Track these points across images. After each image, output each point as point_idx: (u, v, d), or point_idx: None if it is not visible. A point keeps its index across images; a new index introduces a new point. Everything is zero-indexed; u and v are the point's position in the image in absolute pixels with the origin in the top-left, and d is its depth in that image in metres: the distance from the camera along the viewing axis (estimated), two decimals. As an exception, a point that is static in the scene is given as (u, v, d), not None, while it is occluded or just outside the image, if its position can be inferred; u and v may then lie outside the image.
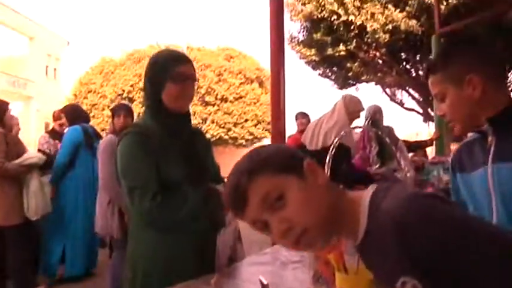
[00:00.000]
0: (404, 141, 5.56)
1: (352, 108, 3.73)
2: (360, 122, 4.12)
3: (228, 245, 1.73)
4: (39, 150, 4.74)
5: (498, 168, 1.21)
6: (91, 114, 19.38)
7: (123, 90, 20.15)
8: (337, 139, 2.16)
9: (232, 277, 1.59)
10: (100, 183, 3.62)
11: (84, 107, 19.35)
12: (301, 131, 5.45)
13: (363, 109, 3.94)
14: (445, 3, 8.79)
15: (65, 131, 4.61)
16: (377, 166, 2.56)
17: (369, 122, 3.06)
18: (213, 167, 1.85)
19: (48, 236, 4.39)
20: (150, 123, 1.65)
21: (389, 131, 5.15)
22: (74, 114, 4.57)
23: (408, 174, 2.47)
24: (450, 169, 1.51)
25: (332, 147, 2.10)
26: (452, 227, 0.71)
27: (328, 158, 2.07)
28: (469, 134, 1.46)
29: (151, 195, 1.53)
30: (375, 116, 4.66)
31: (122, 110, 3.87)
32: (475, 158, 1.32)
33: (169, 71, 1.63)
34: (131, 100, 20.06)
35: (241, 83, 21.38)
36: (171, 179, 1.59)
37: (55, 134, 5.02)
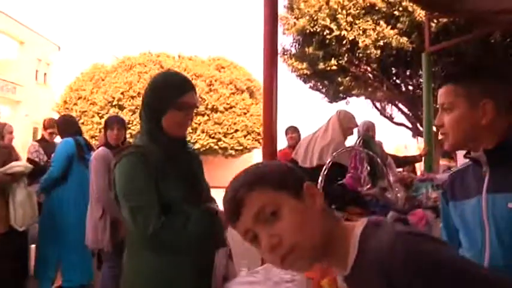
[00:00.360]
0: (393, 156, 5.62)
1: (346, 124, 3.76)
2: (353, 137, 4.17)
3: (223, 264, 1.74)
4: (28, 158, 4.69)
5: (493, 199, 1.21)
6: (81, 121, 19.24)
7: (113, 98, 20.04)
8: (330, 159, 2.19)
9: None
10: (93, 195, 3.59)
11: (74, 114, 19.33)
12: (291, 146, 5.47)
13: (357, 125, 3.97)
14: (435, 21, 8.93)
15: (55, 140, 4.55)
16: (368, 186, 2.58)
17: (360, 141, 3.10)
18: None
19: (42, 248, 4.31)
20: (148, 144, 1.65)
21: (380, 147, 5.20)
22: (66, 126, 4.48)
23: (399, 195, 2.49)
24: (441, 196, 1.52)
25: (325, 166, 2.13)
26: (439, 267, 0.72)
27: (320, 177, 2.10)
28: (459, 161, 1.49)
29: (155, 216, 1.53)
30: (368, 132, 4.71)
31: (114, 122, 3.85)
32: (469, 186, 1.32)
33: (174, 99, 1.64)
34: (121, 108, 19.96)
35: (231, 93, 21.42)
36: (171, 199, 1.60)
37: (45, 143, 4.96)
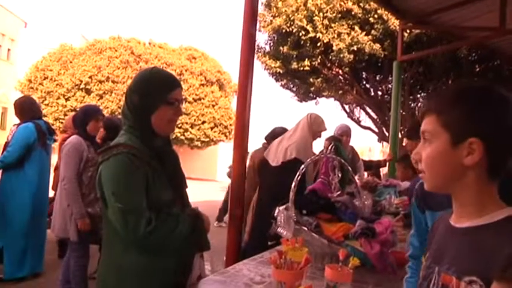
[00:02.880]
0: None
1: (316, 127, 3.86)
2: (320, 140, 4.27)
3: (198, 264, 1.78)
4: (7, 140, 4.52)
5: None
6: (45, 102, 18.69)
7: (81, 81, 19.53)
8: (294, 156, 2.25)
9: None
10: (61, 184, 3.52)
11: (39, 94, 18.76)
12: None
13: (326, 129, 4.07)
14: (408, 31, 9.17)
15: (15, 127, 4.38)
16: (338, 193, 2.66)
17: (332, 148, 3.18)
18: None
19: None
20: (136, 144, 1.61)
21: (353, 151, 5.33)
22: (26, 109, 4.32)
23: (366, 202, 2.59)
24: (415, 203, 1.60)
25: (298, 172, 2.18)
26: None
27: (294, 182, 2.15)
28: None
29: (147, 220, 1.52)
30: (342, 137, 4.82)
31: (99, 113, 3.76)
32: (439, 197, 1.34)
33: (164, 95, 1.64)
34: (88, 92, 19.51)
35: (201, 85, 21.29)
36: (160, 202, 1.60)
37: None
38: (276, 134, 4.44)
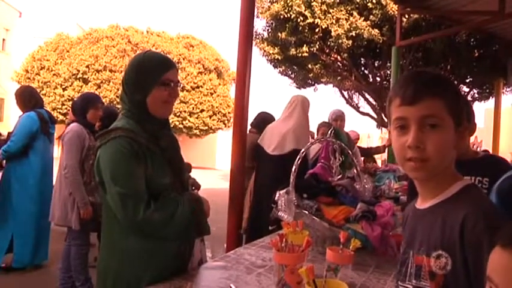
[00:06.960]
0: (357, 147, 5.74)
1: (309, 111, 3.87)
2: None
3: (199, 249, 1.77)
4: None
5: None
6: (42, 92, 18.56)
7: (78, 70, 19.38)
8: (296, 147, 2.24)
9: (201, 282, 1.62)
10: (61, 172, 3.51)
11: (36, 84, 18.64)
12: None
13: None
14: (406, 16, 9.11)
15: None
16: (339, 177, 2.66)
17: (331, 132, 3.16)
18: None
19: None
20: (134, 128, 1.60)
21: (347, 136, 5.32)
22: (27, 98, 4.30)
23: (367, 186, 2.58)
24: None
25: (298, 156, 2.17)
26: None
27: (294, 167, 2.14)
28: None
29: (145, 203, 1.52)
30: (336, 122, 4.82)
31: (99, 101, 3.74)
32: None
33: (158, 76, 1.62)
34: (86, 81, 19.38)
35: (199, 73, 21.15)
36: (159, 186, 1.59)
37: None
38: (261, 119, 4.45)
